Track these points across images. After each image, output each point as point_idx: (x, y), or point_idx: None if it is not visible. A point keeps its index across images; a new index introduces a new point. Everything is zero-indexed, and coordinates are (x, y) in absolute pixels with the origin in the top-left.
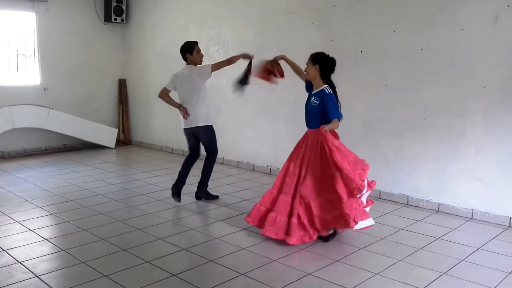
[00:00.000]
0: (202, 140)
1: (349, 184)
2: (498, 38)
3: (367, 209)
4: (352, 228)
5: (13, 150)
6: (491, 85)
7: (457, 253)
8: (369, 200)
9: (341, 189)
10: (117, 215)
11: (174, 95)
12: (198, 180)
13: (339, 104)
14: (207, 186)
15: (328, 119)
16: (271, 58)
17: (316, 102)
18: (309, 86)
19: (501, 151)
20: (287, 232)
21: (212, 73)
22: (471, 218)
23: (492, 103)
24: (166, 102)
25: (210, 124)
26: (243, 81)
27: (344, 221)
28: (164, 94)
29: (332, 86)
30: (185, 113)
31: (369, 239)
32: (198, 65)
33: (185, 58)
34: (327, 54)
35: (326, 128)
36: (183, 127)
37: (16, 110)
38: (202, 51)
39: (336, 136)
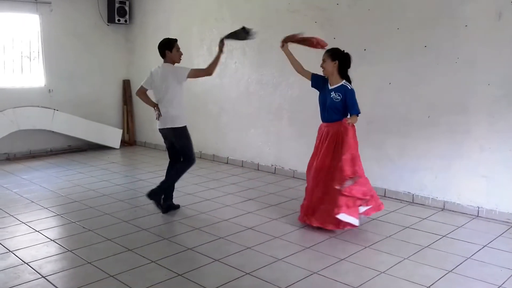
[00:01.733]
0: (175, 142)
1: (340, 171)
2: (502, 35)
3: (362, 210)
4: (335, 215)
5: (19, 152)
6: (496, 82)
7: (463, 251)
8: (369, 209)
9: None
10: (122, 216)
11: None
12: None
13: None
14: (167, 191)
15: (349, 114)
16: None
17: (338, 98)
18: (317, 82)
19: (506, 147)
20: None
21: (188, 79)
22: (477, 216)
23: (496, 100)
24: (142, 101)
25: (183, 126)
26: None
27: (331, 207)
28: (141, 92)
29: (349, 81)
30: (158, 113)
31: (375, 237)
32: (176, 64)
33: (163, 55)
34: (342, 50)
35: (350, 121)
36: (157, 127)
37: (21, 112)
38: (205, 52)
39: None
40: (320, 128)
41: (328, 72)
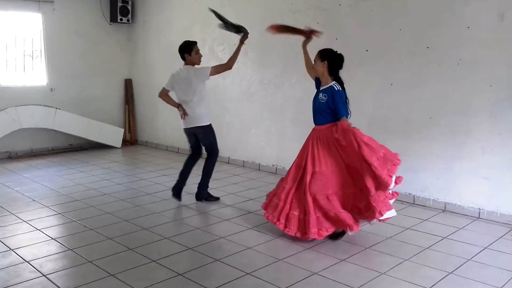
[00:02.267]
0: (201, 140)
1: (377, 179)
2: (504, 36)
3: (392, 201)
4: (377, 219)
5: (20, 150)
6: (498, 83)
7: (464, 252)
8: (394, 192)
9: (370, 183)
10: (123, 215)
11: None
12: (199, 181)
13: (347, 100)
14: (208, 187)
15: (337, 117)
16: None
17: (324, 98)
18: (318, 83)
19: (507, 149)
20: (303, 229)
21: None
22: (478, 217)
23: (498, 101)
24: (166, 102)
25: (209, 124)
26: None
27: (370, 212)
28: (164, 94)
29: (341, 83)
30: (184, 113)
31: (375, 238)
32: (196, 66)
33: (183, 58)
34: (335, 50)
35: (337, 134)
36: (182, 127)
37: (23, 110)
38: (207, 51)
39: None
40: (312, 131)
41: (319, 73)
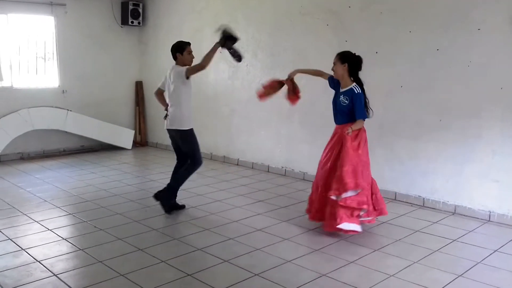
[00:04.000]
0: (180, 145)
1: (340, 181)
2: None
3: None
4: (335, 227)
5: (32, 151)
6: (509, 86)
7: (474, 255)
8: (371, 220)
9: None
10: (133, 216)
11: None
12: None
13: (367, 100)
14: (175, 195)
15: (355, 118)
16: (285, 75)
17: (346, 102)
18: (333, 83)
19: None
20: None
21: (190, 76)
22: (488, 220)
23: (509, 104)
24: (158, 101)
25: (188, 129)
26: (235, 54)
27: (332, 219)
28: (158, 94)
29: (360, 84)
30: (166, 113)
31: (384, 240)
32: (185, 66)
33: (175, 58)
34: (353, 52)
35: (349, 130)
36: (164, 127)
37: (35, 112)
38: (217, 54)
39: (361, 133)
40: (335, 129)
41: (339, 75)
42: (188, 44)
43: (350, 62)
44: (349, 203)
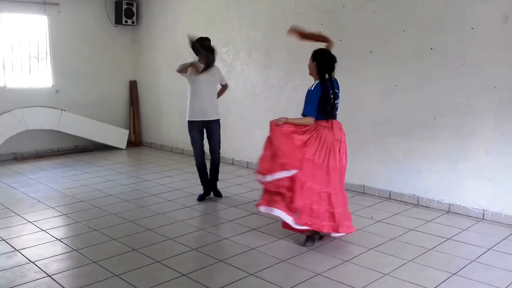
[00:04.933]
0: (216, 133)
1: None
2: (508, 37)
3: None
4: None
5: (26, 152)
6: (502, 85)
7: (468, 253)
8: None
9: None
10: (128, 216)
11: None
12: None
13: (330, 98)
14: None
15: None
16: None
17: None
18: None
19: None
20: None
21: (182, 75)
22: (482, 219)
23: (502, 102)
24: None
25: (187, 120)
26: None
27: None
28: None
29: (323, 82)
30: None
31: (379, 239)
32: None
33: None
34: (329, 51)
35: (282, 120)
36: (204, 119)
37: (28, 112)
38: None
39: (314, 132)
40: None
41: (310, 71)
42: (209, 40)
43: (319, 61)
44: (268, 186)
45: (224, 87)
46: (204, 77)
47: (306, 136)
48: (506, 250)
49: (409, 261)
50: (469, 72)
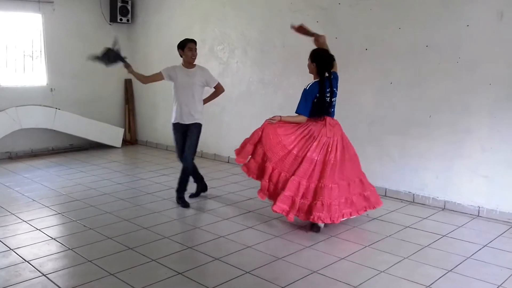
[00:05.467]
0: (195, 137)
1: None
2: (503, 35)
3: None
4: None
5: (21, 151)
6: (497, 82)
7: (463, 250)
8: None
9: None
10: (123, 214)
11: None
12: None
13: (326, 97)
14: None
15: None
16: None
17: None
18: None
19: (507, 148)
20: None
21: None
22: (478, 216)
23: (498, 99)
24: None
25: (172, 122)
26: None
27: None
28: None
29: (322, 81)
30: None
31: (375, 236)
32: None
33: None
34: (326, 51)
35: (277, 118)
36: (180, 122)
37: (23, 110)
38: (207, 51)
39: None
40: None
41: (310, 71)
42: (190, 41)
43: (318, 61)
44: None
45: (217, 90)
46: (182, 79)
47: (294, 133)
48: (501, 247)
49: (405, 258)
50: (465, 70)
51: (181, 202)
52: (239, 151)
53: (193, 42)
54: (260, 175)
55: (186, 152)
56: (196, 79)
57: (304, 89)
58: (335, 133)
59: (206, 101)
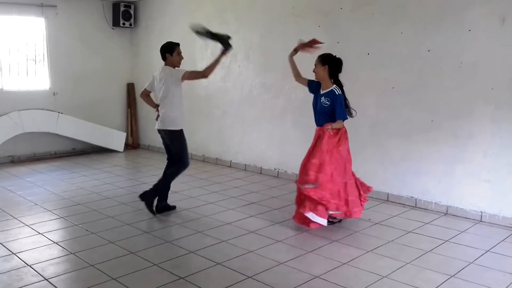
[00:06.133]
0: (170, 145)
1: (305, 171)
2: (505, 39)
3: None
4: (303, 215)
5: (23, 155)
6: (499, 87)
7: (466, 255)
8: (344, 213)
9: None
10: (125, 219)
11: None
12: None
13: (347, 102)
14: (165, 196)
15: (335, 119)
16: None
17: (327, 103)
18: (312, 87)
19: (509, 152)
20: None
21: (184, 80)
22: (480, 221)
23: (500, 104)
24: (145, 102)
25: (178, 129)
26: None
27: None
28: (144, 95)
29: (340, 86)
30: (158, 114)
31: (377, 241)
32: (175, 68)
33: (164, 58)
34: (334, 55)
35: (329, 127)
36: (155, 127)
37: (26, 114)
38: (209, 55)
39: (341, 132)
40: (315, 131)
41: (319, 77)
42: (177, 44)
43: (330, 64)
44: (312, 194)
45: (196, 74)
46: (155, 84)
47: (337, 137)
48: (504, 252)
49: (407, 263)
50: (467, 74)
51: (156, 210)
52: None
53: (179, 45)
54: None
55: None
56: (163, 81)
57: (339, 94)
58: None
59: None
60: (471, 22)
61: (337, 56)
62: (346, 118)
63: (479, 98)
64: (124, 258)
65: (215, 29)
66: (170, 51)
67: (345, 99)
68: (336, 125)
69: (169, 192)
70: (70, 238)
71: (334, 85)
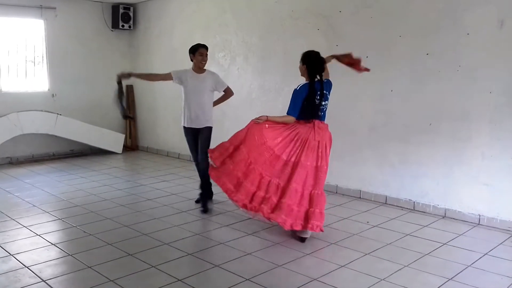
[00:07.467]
0: (204, 141)
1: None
2: (504, 43)
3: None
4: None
5: (21, 156)
6: (497, 90)
7: (464, 259)
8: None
9: None
10: (123, 220)
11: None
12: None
13: (316, 99)
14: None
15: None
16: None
17: None
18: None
19: (507, 155)
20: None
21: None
22: (478, 224)
23: (498, 107)
24: (146, 79)
25: (182, 126)
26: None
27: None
28: (160, 77)
29: (312, 83)
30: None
31: (375, 244)
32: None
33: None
34: (317, 53)
35: (263, 118)
36: (189, 126)
37: (24, 116)
38: (208, 57)
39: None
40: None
41: (302, 75)
42: (201, 46)
43: (307, 63)
44: (213, 175)
45: (227, 94)
46: (193, 83)
47: (281, 135)
48: (502, 255)
49: (405, 266)
50: (465, 77)
51: (204, 207)
52: (214, 149)
53: (205, 47)
54: (238, 180)
55: (201, 155)
56: (207, 84)
57: (295, 89)
58: (323, 136)
59: (215, 103)
60: (470, 25)
61: (319, 55)
62: (292, 115)
63: (478, 101)
64: (122, 260)
65: (214, 31)
66: (192, 51)
67: (310, 98)
68: (279, 118)
69: (169, 194)
70: (68, 239)
71: (306, 82)
